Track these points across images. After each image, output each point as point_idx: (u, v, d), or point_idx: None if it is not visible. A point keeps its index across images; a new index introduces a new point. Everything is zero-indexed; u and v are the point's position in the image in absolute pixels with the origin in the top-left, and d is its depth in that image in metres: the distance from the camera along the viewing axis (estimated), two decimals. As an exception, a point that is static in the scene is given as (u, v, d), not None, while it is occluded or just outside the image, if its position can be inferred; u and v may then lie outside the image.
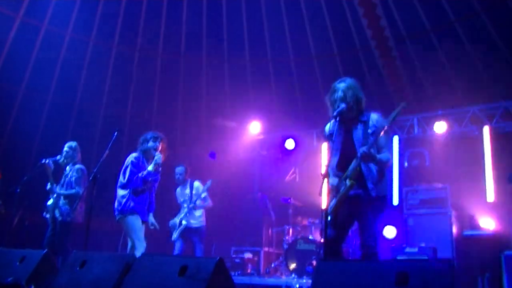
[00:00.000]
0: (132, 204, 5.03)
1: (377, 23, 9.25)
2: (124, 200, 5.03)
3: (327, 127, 3.92)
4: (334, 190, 3.66)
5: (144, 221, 5.17)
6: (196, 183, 7.06)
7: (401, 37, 9.22)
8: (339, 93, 3.76)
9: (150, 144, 5.23)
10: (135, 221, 4.97)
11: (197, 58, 10.84)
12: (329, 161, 3.66)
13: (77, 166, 6.16)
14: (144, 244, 4.95)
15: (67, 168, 6.21)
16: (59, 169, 6.26)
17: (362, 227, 3.59)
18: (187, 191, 7.04)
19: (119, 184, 5.15)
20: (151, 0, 10.14)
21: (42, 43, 9.65)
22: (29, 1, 9.20)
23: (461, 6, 8.40)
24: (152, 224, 5.33)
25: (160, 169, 5.21)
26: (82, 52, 10.14)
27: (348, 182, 3.52)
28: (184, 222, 6.77)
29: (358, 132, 3.73)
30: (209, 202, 7.08)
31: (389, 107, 9.33)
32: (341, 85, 3.81)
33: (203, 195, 6.96)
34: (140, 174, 5.08)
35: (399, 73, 9.44)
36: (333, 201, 3.63)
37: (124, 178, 5.10)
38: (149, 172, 5.09)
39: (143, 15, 10.29)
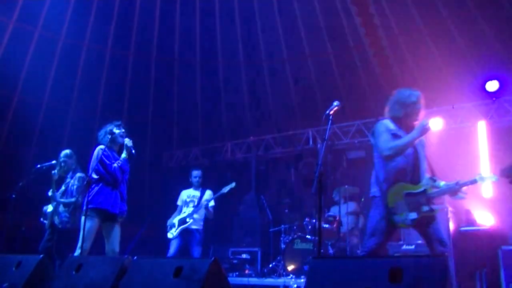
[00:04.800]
0: (102, 198, 4.84)
1: (371, 21, 9.28)
2: (93, 193, 4.82)
3: (392, 126, 3.90)
4: (412, 203, 3.69)
5: (115, 214, 4.93)
6: (209, 191, 7.07)
7: (394, 35, 9.24)
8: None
9: (116, 131, 5.06)
10: (87, 222, 4.65)
11: (191, 61, 10.86)
12: (402, 167, 3.76)
13: (78, 174, 6.10)
14: (85, 247, 4.62)
15: (68, 176, 6.17)
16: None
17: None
18: (196, 193, 7.05)
19: (92, 179, 4.87)
20: (144, 4, 10.15)
21: (35, 48, 9.65)
22: (21, 7, 9.19)
23: (453, 3, 8.44)
24: (122, 216, 5.05)
25: (133, 151, 5.06)
26: (76, 57, 10.14)
27: (435, 208, 3.65)
28: (189, 220, 6.76)
29: (420, 149, 3.85)
30: (212, 213, 7.03)
31: (383, 105, 9.44)
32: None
33: (211, 204, 6.95)
34: (116, 164, 4.95)
35: (393, 71, 9.46)
36: (414, 214, 3.67)
37: (99, 171, 4.89)
38: (124, 159, 5.00)
39: (136, 19, 10.30)
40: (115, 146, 5.15)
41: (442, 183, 3.77)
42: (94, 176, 4.90)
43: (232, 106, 11.02)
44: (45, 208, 6.12)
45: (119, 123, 5.21)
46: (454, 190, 3.71)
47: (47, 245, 5.87)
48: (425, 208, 3.66)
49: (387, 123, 3.90)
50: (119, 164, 4.96)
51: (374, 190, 3.85)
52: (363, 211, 7.68)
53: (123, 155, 5.03)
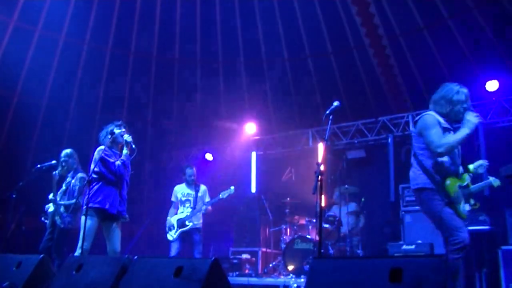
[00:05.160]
0: (100, 198, 4.84)
1: (371, 21, 9.28)
2: (92, 192, 4.82)
3: (441, 119, 3.81)
4: (464, 195, 3.74)
5: (113, 214, 4.89)
6: (203, 187, 7.04)
7: (395, 35, 9.25)
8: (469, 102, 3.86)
9: (117, 131, 5.05)
10: (87, 221, 4.64)
11: (192, 60, 10.85)
12: (452, 162, 3.79)
13: (80, 174, 6.09)
14: (86, 246, 4.61)
15: (69, 175, 6.16)
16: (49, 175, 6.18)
17: None
18: (191, 191, 7.01)
19: (93, 179, 4.88)
20: (144, 3, 10.15)
21: (36, 48, 9.64)
22: (22, 6, 9.18)
23: (454, 3, 8.44)
24: (124, 217, 5.07)
25: (133, 146, 5.02)
26: (76, 56, 10.14)
27: (477, 203, 3.80)
28: (189, 223, 6.73)
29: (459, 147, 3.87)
30: (210, 210, 7.01)
31: (383, 105, 9.46)
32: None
33: (207, 199, 6.94)
34: (118, 162, 4.93)
35: (393, 71, 9.47)
36: (468, 206, 3.74)
37: (101, 172, 4.88)
38: (126, 156, 4.99)
39: (137, 19, 10.29)
40: (116, 146, 5.14)
41: (471, 166, 3.99)
42: (94, 176, 4.90)
43: (232, 106, 11.00)
44: (47, 206, 6.10)
45: (119, 122, 5.20)
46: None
47: (47, 244, 5.87)
48: (472, 202, 3.75)
49: (437, 116, 3.80)
50: (121, 161, 4.96)
51: (424, 182, 3.72)
52: (363, 211, 7.69)
53: (124, 151, 5.03)
